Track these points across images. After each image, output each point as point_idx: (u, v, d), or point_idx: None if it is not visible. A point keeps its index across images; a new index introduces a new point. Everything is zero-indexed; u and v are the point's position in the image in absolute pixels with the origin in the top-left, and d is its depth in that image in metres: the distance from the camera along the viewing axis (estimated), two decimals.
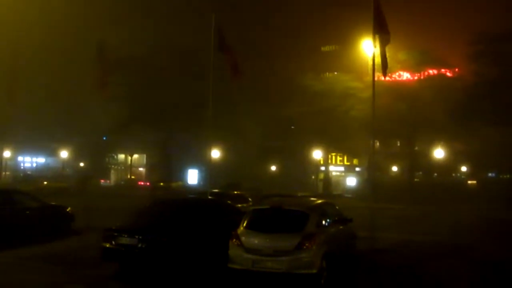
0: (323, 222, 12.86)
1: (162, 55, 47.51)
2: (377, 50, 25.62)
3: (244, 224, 12.43)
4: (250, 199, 24.11)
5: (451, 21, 61.17)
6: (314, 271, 11.62)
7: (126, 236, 12.58)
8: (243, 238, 11.98)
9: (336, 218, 13.91)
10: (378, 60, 26.64)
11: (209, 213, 14.31)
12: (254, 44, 55.25)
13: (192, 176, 63.33)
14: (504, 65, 41.45)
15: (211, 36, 24.37)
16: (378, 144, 63.83)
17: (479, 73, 44.39)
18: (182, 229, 12.78)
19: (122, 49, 45.21)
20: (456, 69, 55.09)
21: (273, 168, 65.15)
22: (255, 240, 11.89)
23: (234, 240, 12.06)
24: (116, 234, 12.70)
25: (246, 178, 47.01)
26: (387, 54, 22.74)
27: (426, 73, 54.56)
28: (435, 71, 54.74)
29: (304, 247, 11.55)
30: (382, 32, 21.98)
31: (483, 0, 62.06)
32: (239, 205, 19.52)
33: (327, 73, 57.42)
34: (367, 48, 24.56)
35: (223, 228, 12.87)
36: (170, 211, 14.00)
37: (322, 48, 68.82)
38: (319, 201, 14.64)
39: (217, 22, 24.40)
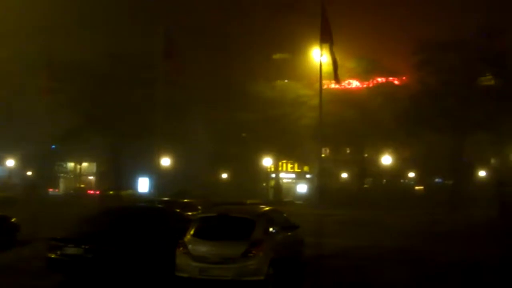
0: (270, 229, 12.94)
1: (112, 61, 46.95)
2: (324, 58, 26.06)
3: (191, 232, 12.42)
4: (199, 207, 24.05)
5: (398, 30, 62.53)
6: (261, 278, 11.70)
7: (71, 246, 12.38)
8: (190, 246, 11.97)
9: (283, 225, 14.03)
10: (328, 68, 27.09)
11: (156, 222, 14.21)
12: (207, 50, 55.18)
13: (143, 184, 62.55)
14: (447, 73, 42.55)
15: (160, 43, 24.33)
16: (328, 151, 64.78)
17: (424, 81, 45.48)
18: (127, 237, 12.66)
19: (70, 56, 44.60)
20: (404, 78, 56.21)
21: (224, 175, 65.12)
22: (202, 248, 11.90)
23: (181, 248, 12.04)
24: (61, 244, 12.50)
25: (197, 186, 46.85)
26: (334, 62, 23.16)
27: (375, 81, 55.52)
28: (384, 79, 55.77)
29: (251, 254, 11.62)
30: (330, 40, 22.38)
31: (427, 10, 63.59)
32: (189, 213, 19.47)
33: (279, 81, 57.71)
34: (317, 56, 24.82)
35: (170, 237, 12.79)
36: (117, 219, 13.81)
37: (274, 56, 69.19)
38: (266, 208, 14.74)
39: (167, 30, 24.36)
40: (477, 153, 50.04)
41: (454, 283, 13.64)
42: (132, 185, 59.34)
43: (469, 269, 15.12)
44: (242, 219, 12.63)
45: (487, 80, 43.69)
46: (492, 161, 55.50)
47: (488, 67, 41.70)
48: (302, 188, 67.32)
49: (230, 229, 12.37)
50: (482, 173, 59.53)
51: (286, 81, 57.14)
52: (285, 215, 15.03)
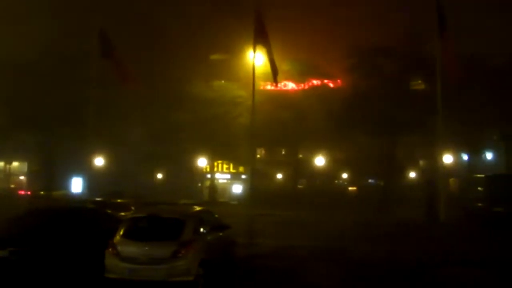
0: (201, 229, 13.03)
1: (46, 60, 45.77)
2: (260, 60, 26.31)
3: (121, 233, 12.38)
4: (133, 208, 23.83)
5: (334, 34, 63.48)
6: (191, 278, 11.79)
7: None
8: (119, 247, 11.94)
9: (214, 226, 14.13)
10: (265, 69, 27.35)
11: (85, 222, 14.07)
12: (143, 49, 54.59)
13: (76, 185, 61.15)
14: (377, 77, 43.63)
15: (93, 42, 24.03)
16: (263, 152, 65.29)
17: (355, 85, 46.47)
18: (54, 239, 12.49)
19: (1, 53, 43.32)
20: (338, 80, 57.22)
21: (160, 175, 64.60)
22: (131, 249, 11.89)
23: (111, 249, 12.00)
24: None
25: (131, 186, 46.31)
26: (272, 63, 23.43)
27: (310, 83, 56.27)
28: (319, 82, 56.59)
29: (180, 254, 11.70)
30: (265, 42, 22.64)
31: (362, 15, 64.92)
32: (122, 214, 19.29)
33: (216, 81, 57.64)
34: (256, 57, 25.04)
35: (100, 238, 12.70)
36: (44, 221, 13.60)
37: (211, 56, 69.09)
38: (197, 209, 14.83)
39: (101, 30, 24.06)
40: (407, 154, 51.45)
41: (381, 282, 14.04)
42: (65, 185, 57.97)
43: (395, 268, 15.67)
44: (172, 220, 12.68)
45: (417, 84, 45.05)
46: (421, 162, 57.31)
47: (417, 71, 42.90)
48: (237, 188, 67.51)
49: (160, 230, 12.41)
50: (412, 174, 61.31)
51: (223, 81, 57.13)
52: (216, 215, 15.12)
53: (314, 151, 57.60)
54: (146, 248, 11.84)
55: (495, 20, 49.24)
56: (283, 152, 64.57)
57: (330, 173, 63.17)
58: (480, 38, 44.21)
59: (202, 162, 56.32)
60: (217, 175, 67.34)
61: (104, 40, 23.63)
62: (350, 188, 65.24)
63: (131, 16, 54.70)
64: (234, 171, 69.95)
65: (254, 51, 22.48)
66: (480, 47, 42.21)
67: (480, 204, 30.29)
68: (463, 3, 49.03)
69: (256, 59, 24.62)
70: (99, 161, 45.56)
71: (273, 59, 22.18)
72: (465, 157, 51.30)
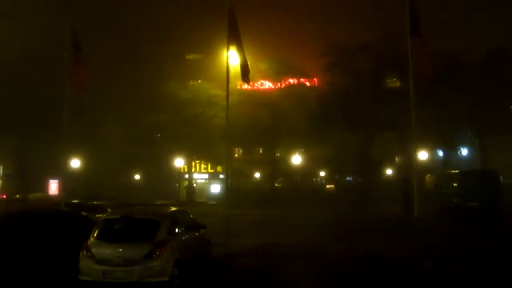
0: (175, 229, 13.02)
1: (20, 61, 45.28)
2: (235, 59, 26.31)
3: (95, 235, 12.32)
4: (109, 209, 23.73)
5: (310, 33, 63.76)
6: (166, 278, 11.78)
7: None
8: (93, 249, 11.88)
9: (190, 225, 14.13)
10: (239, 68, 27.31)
11: (59, 226, 13.96)
12: (119, 50, 54.37)
13: (53, 187, 60.58)
14: (354, 75, 43.89)
15: (67, 43, 23.84)
16: (241, 151, 65.33)
17: (333, 83, 46.75)
18: (27, 242, 12.40)
19: None
20: (315, 79, 57.44)
21: (137, 176, 64.33)
22: (106, 251, 11.84)
23: (85, 251, 11.94)
24: None
25: (108, 188, 46.06)
26: (248, 63, 23.45)
27: (287, 82, 56.41)
28: (295, 81, 56.74)
29: (155, 255, 11.68)
30: (239, 42, 22.65)
31: (338, 13, 65.36)
32: (99, 215, 19.19)
33: (192, 81, 57.61)
34: (230, 56, 25.05)
35: (75, 240, 12.61)
36: (17, 224, 13.47)
37: (187, 56, 69.05)
38: (172, 209, 14.81)
39: (72, 32, 23.84)
40: (383, 151, 51.80)
41: (357, 277, 14.14)
42: (41, 188, 57.39)
43: (371, 263, 15.82)
44: (146, 221, 12.65)
45: (392, 82, 45.41)
46: (397, 159, 57.74)
47: (393, 69, 43.19)
48: (215, 188, 67.46)
49: (134, 231, 12.38)
50: (388, 171, 61.76)
51: (199, 81, 57.12)
52: (192, 215, 15.12)
53: (292, 149, 57.82)
54: (121, 249, 11.80)
55: (469, 16, 49.96)
56: (261, 151, 64.64)
57: (308, 171, 63.42)
58: (454, 34, 44.73)
59: (179, 162, 56.16)
60: (195, 175, 67.32)
61: (74, 44, 23.39)
62: (327, 186, 65.45)
63: (106, 17, 54.49)
64: (212, 171, 69.94)
65: (228, 50, 22.45)
66: (454, 43, 42.65)
67: (455, 199, 30.63)
68: (437, 0, 49.69)
69: (231, 58, 24.59)
70: (75, 163, 45.17)
71: (244, 59, 22.18)
72: (440, 153, 51.85)
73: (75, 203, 25.01)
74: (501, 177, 34.05)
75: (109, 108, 50.57)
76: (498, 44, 43.57)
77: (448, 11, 50.56)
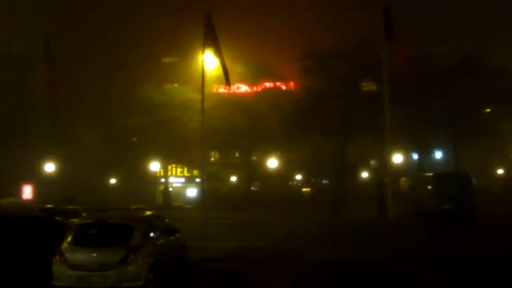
0: (150, 234, 12.94)
1: None
2: (212, 63, 26.28)
3: (69, 240, 12.17)
4: (84, 214, 23.45)
5: (287, 36, 63.98)
6: (140, 283, 11.69)
7: None
8: (67, 255, 11.73)
9: (164, 230, 14.05)
10: (217, 72, 27.32)
11: (32, 230, 13.77)
12: (93, 53, 53.88)
13: (27, 191, 59.69)
14: (331, 79, 44.10)
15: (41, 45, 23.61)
16: (217, 155, 65.21)
17: (309, 87, 46.90)
18: None
19: None
20: (291, 83, 57.62)
21: (113, 180, 63.80)
22: (79, 256, 11.70)
23: (58, 256, 11.77)
24: None
25: (83, 192, 45.54)
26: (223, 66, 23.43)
27: (263, 86, 56.50)
28: (271, 84, 56.87)
29: (129, 260, 11.58)
30: (214, 45, 22.64)
31: (315, 18, 65.71)
32: (74, 220, 18.94)
33: (168, 85, 57.33)
34: (206, 60, 25.02)
35: (48, 245, 12.44)
36: None
37: (163, 60, 68.65)
38: (147, 213, 14.73)
39: (48, 34, 23.63)
40: (359, 155, 52.17)
41: (333, 280, 14.18)
42: (14, 192, 56.53)
43: (347, 266, 15.88)
44: (120, 225, 12.53)
45: (368, 85, 45.69)
46: (372, 162, 58.21)
47: (369, 73, 43.47)
48: (191, 192, 67.09)
49: (109, 235, 12.24)
50: (364, 174, 62.21)
51: (175, 84, 56.90)
52: (167, 220, 15.02)
53: (268, 153, 57.84)
54: (95, 254, 11.68)
55: (445, 21, 50.59)
56: (237, 155, 64.59)
57: (284, 174, 63.49)
58: (430, 38, 45.26)
59: (155, 166, 55.83)
60: (171, 179, 66.88)
61: (47, 48, 23.19)
62: (304, 189, 65.68)
63: (80, 19, 54.04)
64: (188, 174, 69.57)
65: (203, 53, 22.44)
66: (429, 47, 43.18)
67: (429, 202, 30.93)
68: (415, 5, 50.23)
69: (207, 62, 24.56)
70: (50, 167, 44.63)
71: (223, 62, 22.19)
72: (415, 156, 52.37)
73: (48, 207, 24.66)
74: (474, 180, 34.50)
75: (84, 111, 50.11)
76: (472, 48, 44.21)
77: (423, 15, 51.15)
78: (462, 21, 49.91)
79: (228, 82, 23.72)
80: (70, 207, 26.97)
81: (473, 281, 13.79)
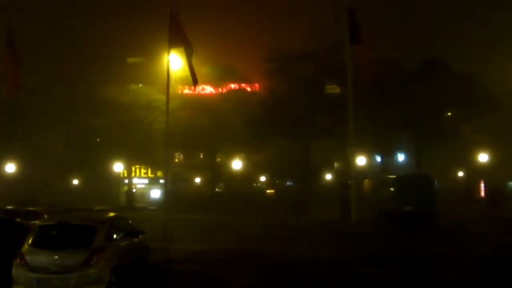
0: (113, 235, 12.81)
1: None
2: (178, 64, 26.17)
3: (30, 242, 11.93)
4: (45, 215, 23.07)
5: (252, 39, 64.31)
6: (103, 286, 11.55)
7: None
8: (28, 257, 11.50)
9: (128, 231, 13.94)
10: (183, 73, 27.22)
11: None
12: (56, 51, 53.11)
13: None
14: (295, 82, 44.36)
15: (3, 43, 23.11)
16: (182, 156, 64.95)
17: (273, 89, 47.11)
18: None
19: None
20: (256, 85, 57.78)
21: (76, 181, 62.99)
22: (41, 258, 11.49)
23: (18, 259, 11.53)
24: None
25: (45, 193, 44.83)
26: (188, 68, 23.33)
27: (228, 87, 56.56)
28: (236, 86, 56.96)
29: (92, 262, 11.43)
30: (186, 45, 22.50)
31: (279, 21, 66.08)
32: (36, 222, 18.63)
33: (133, 85, 56.87)
34: (172, 61, 24.89)
35: (8, 247, 12.21)
36: None
37: (128, 60, 68.01)
38: (110, 215, 14.58)
39: (8, 33, 23.14)
40: (323, 157, 52.58)
41: (296, 282, 14.28)
42: None
43: (310, 267, 16.01)
44: (83, 227, 12.37)
45: (332, 88, 46.11)
46: (336, 164, 58.76)
47: (333, 76, 43.83)
48: (155, 193, 66.70)
49: (71, 237, 12.07)
50: (328, 176, 62.72)
51: (140, 85, 56.47)
52: (130, 221, 14.90)
53: (232, 154, 57.92)
54: (56, 256, 11.49)
55: (408, 26, 51.39)
56: (201, 156, 64.50)
57: (248, 176, 63.62)
58: (393, 43, 45.89)
59: (119, 167, 55.31)
60: (135, 180, 66.38)
61: (10, 46, 22.66)
62: (268, 191, 65.88)
63: (44, 16, 53.19)
64: (152, 175, 69.19)
65: (169, 54, 22.33)
66: (392, 51, 43.77)
67: (391, 204, 31.36)
68: (378, 9, 50.88)
69: (172, 62, 24.44)
70: (10, 168, 43.85)
71: (191, 62, 22.08)
72: (378, 158, 53.03)
73: (9, 209, 24.16)
74: (435, 182, 35.10)
75: (46, 111, 49.31)
76: (434, 54, 44.99)
77: (387, 20, 51.87)
78: (424, 27, 50.80)
79: (195, 82, 23.58)
80: (31, 208, 26.51)
81: (434, 281, 14.06)
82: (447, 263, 16.42)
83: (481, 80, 41.86)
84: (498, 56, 42.96)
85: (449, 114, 47.81)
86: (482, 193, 53.85)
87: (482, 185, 55.31)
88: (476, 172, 53.88)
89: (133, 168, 63.55)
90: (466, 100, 42.40)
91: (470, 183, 55.93)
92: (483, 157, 49.09)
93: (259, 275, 14.94)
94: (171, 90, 24.51)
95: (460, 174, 62.14)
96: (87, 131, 51.43)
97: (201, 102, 52.55)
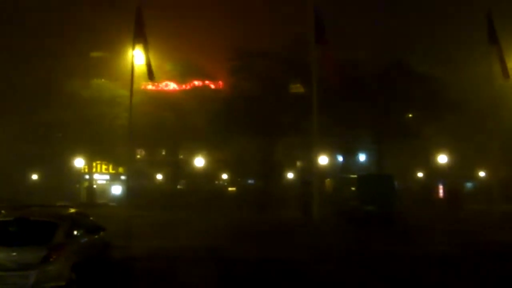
0: (74, 232, 12.62)
1: None
2: (140, 59, 25.98)
3: None
4: (3, 211, 22.60)
5: (217, 36, 63.87)
6: (63, 283, 11.34)
7: None
8: None
9: (89, 228, 13.77)
10: (146, 68, 27.00)
11: None
12: (16, 43, 52.04)
13: None
14: (259, 80, 44.42)
15: None
16: (144, 152, 64.46)
17: (237, 87, 47.08)
18: None
19: None
20: (220, 82, 57.66)
21: (35, 176, 61.92)
22: None
23: None
24: None
25: (3, 188, 43.98)
26: (152, 64, 23.21)
27: (191, 84, 56.33)
28: (200, 83, 56.78)
29: (52, 259, 11.21)
30: (144, 41, 22.39)
31: (245, 18, 66.00)
32: None
33: (96, 80, 56.09)
34: (136, 56, 24.68)
35: None
36: None
37: (91, 54, 67.07)
38: (71, 211, 14.33)
39: None
40: (285, 155, 52.80)
41: (257, 280, 14.33)
42: None
43: (271, 265, 16.08)
44: (43, 223, 12.13)
45: (296, 87, 46.27)
46: (298, 163, 59.06)
47: (297, 75, 44.04)
48: (116, 189, 66.06)
49: (30, 234, 11.80)
50: (290, 175, 63.02)
51: (103, 80, 55.73)
52: (91, 217, 14.73)
53: (195, 151, 57.75)
54: (14, 253, 11.22)
55: (372, 28, 51.91)
56: (164, 153, 64.16)
57: (210, 173, 63.50)
58: (356, 45, 46.24)
59: (79, 162, 54.58)
60: (96, 176, 65.61)
61: None
62: (230, 189, 65.82)
63: (4, 7, 52.05)
64: (113, 171, 68.52)
65: (133, 49, 22.18)
66: (359, 52, 44.18)
67: (352, 203, 31.71)
68: (343, 11, 51.31)
69: (136, 57, 24.27)
70: None
71: (148, 59, 21.97)
72: (340, 158, 53.54)
73: None
74: (396, 182, 35.65)
75: (4, 104, 48.34)
76: (397, 56, 45.55)
77: (354, 21, 52.29)
78: (392, 29, 51.33)
79: (152, 77, 23.44)
80: None
81: (394, 280, 14.27)
82: (406, 262, 16.71)
83: (442, 82, 42.56)
84: (463, 58, 43.68)
85: (411, 115, 48.52)
86: (441, 194, 54.88)
87: (441, 185, 56.38)
88: (436, 172, 54.87)
89: (94, 164, 62.77)
90: (427, 102, 43.06)
91: (430, 184, 56.93)
92: (442, 158, 50.02)
93: (219, 273, 14.96)
94: (134, 86, 24.30)
95: (420, 174, 63.18)
96: (47, 125, 50.59)
97: (164, 98, 52.24)
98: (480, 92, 35.54)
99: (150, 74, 22.39)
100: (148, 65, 21.92)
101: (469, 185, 62.06)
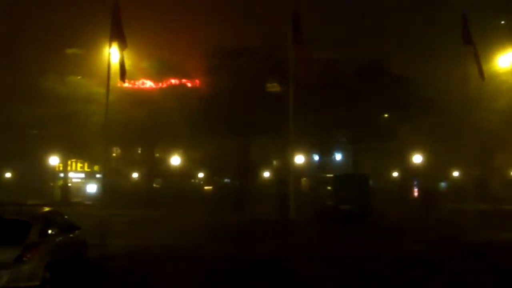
0: (48, 231, 12.49)
1: None
2: (117, 56, 25.82)
3: None
4: None
5: (194, 34, 63.71)
6: (37, 283, 11.21)
7: None
8: None
9: (63, 227, 13.64)
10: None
11: None
12: None
13: None
14: (236, 79, 44.36)
15: None
16: (119, 150, 64.00)
17: (214, 85, 46.96)
18: None
19: None
20: (197, 80, 57.47)
21: (8, 174, 61.14)
22: None
23: None
24: None
25: None
26: (129, 62, 23.10)
27: (168, 82, 56.08)
28: (177, 81, 56.55)
29: (25, 258, 11.06)
30: (119, 39, 22.25)
31: (222, 16, 65.95)
32: None
33: (72, 77, 55.51)
34: (111, 54, 24.55)
35: None
36: None
37: (67, 51, 66.39)
38: (45, 209, 14.15)
39: None
40: (262, 154, 52.88)
41: (233, 278, 14.34)
42: None
43: (248, 264, 16.12)
44: (16, 222, 11.96)
45: (273, 87, 46.40)
46: (275, 162, 59.22)
47: (274, 75, 44.18)
48: (92, 188, 65.51)
49: (3, 233, 11.65)
50: (266, 174, 63.16)
51: (78, 77, 55.17)
52: (66, 216, 14.58)
53: (171, 150, 57.56)
54: None
55: (348, 28, 52.25)
56: (140, 151, 63.79)
57: (187, 172, 63.36)
58: (333, 44, 46.51)
59: (54, 160, 54.00)
60: (71, 174, 64.93)
61: None
62: (206, 188, 65.72)
63: None
64: (88, 170, 67.95)
65: (110, 46, 22.06)
66: (332, 53, 44.43)
67: (328, 202, 31.91)
68: (322, 10, 51.57)
69: (112, 55, 24.15)
70: None
71: (122, 57, 21.87)
72: (316, 157, 53.78)
73: None
74: (371, 182, 35.94)
75: None
76: (374, 57, 45.93)
77: (331, 22, 52.56)
78: (369, 30, 51.70)
79: (123, 79, 23.34)
80: None
81: (370, 276, 14.43)
82: (380, 259, 16.92)
83: (417, 82, 43.00)
84: (438, 59, 44.09)
85: (386, 115, 48.91)
86: (416, 193, 55.48)
87: (416, 185, 57.00)
88: (411, 172, 55.42)
89: (69, 162, 62.13)
90: (402, 102, 43.44)
91: (404, 183, 57.49)
92: (417, 158, 50.52)
93: (197, 272, 14.94)
94: (111, 83, 24.17)
95: (395, 174, 63.76)
96: (21, 122, 49.92)
97: (140, 96, 51.81)
98: (455, 92, 35.99)
99: (122, 76, 22.27)
100: (122, 66, 21.78)
101: (443, 184, 62.81)
